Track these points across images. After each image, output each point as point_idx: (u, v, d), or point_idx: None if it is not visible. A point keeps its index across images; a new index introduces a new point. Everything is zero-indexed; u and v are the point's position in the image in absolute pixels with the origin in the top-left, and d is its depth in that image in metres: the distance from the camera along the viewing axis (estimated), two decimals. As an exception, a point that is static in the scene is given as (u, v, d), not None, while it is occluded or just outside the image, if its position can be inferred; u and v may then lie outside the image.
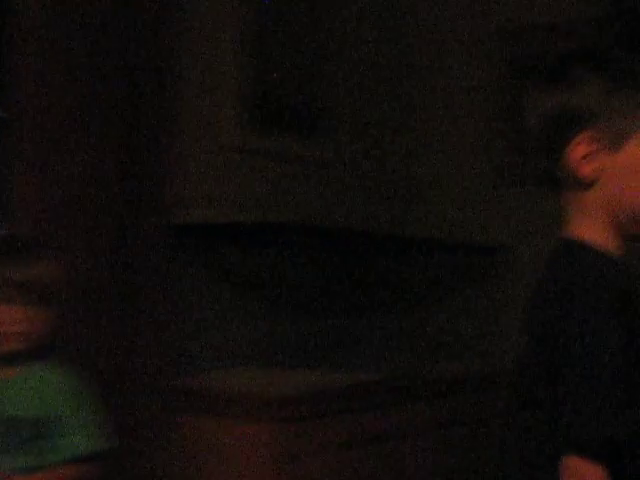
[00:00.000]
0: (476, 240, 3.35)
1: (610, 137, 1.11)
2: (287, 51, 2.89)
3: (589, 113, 1.12)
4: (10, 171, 2.19)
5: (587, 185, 1.13)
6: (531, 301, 1.19)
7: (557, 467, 1.10)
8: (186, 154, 2.56)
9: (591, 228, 1.14)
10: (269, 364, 2.78)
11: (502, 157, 3.32)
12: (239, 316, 2.72)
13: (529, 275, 1.68)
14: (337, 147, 3.12)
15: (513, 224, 3.30)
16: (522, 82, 3.15)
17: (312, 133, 3.00)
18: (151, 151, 2.33)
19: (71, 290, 2.05)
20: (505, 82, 3.32)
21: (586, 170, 1.12)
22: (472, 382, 2.90)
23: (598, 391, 1.06)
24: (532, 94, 1.20)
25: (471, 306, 3.39)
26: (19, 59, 2.16)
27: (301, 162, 2.98)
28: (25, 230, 2.13)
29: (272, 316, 2.84)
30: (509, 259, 3.30)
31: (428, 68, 3.49)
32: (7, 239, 1.93)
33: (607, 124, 1.11)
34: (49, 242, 2.05)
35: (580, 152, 1.12)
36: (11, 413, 1.72)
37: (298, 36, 2.94)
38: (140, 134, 2.31)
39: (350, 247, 3.19)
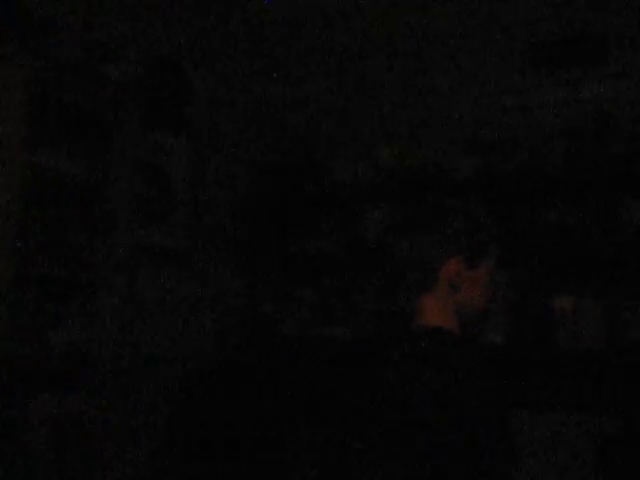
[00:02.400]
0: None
1: (470, 262, 1.75)
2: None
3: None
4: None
5: (456, 289, 1.75)
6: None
7: None
8: None
9: (447, 318, 1.76)
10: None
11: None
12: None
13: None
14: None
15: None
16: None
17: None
18: None
19: None
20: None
21: (456, 280, 1.74)
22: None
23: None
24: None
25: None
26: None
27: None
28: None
29: None
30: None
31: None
32: None
33: (469, 255, 1.75)
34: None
35: (454, 269, 1.74)
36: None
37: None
38: None
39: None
